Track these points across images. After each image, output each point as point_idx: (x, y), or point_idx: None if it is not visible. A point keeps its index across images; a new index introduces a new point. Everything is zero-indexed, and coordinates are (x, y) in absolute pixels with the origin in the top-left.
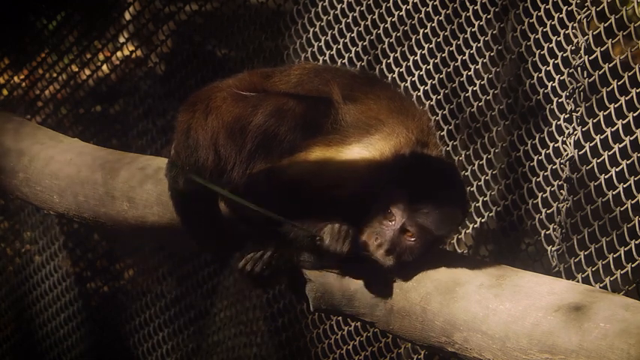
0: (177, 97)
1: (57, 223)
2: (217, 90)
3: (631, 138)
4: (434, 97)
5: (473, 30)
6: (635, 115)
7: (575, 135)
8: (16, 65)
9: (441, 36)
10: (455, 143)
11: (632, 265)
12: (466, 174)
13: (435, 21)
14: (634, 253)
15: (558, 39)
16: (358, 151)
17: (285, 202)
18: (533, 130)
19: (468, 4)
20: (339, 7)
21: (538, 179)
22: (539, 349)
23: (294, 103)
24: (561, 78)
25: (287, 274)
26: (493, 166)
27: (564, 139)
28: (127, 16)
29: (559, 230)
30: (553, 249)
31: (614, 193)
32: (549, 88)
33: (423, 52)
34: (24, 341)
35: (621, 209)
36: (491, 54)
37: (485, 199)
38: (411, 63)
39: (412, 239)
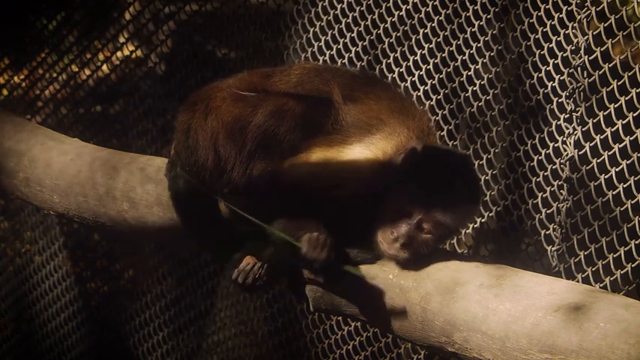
0: (177, 97)
1: (57, 223)
2: (217, 90)
3: (631, 138)
4: (434, 97)
5: (473, 30)
6: (635, 115)
7: (575, 135)
8: (16, 65)
9: (441, 36)
10: (455, 143)
11: (632, 265)
12: None
13: (435, 21)
14: (634, 253)
15: (558, 39)
16: (360, 150)
17: (287, 204)
18: (533, 130)
19: (468, 4)
20: (339, 7)
21: (538, 179)
22: (539, 349)
23: (295, 103)
24: (561, 78)
25: (286, 275)
26: (493, 166)
27: (564, 139)
28: (127, 16)
29: (559, 230)
30: (553, 249)
31: (614, 193)
32: (549, 88)
33: (423, 52)
34: (24, 341)
35: (621, 209)
36: (492, 54)
37: (485, 199)
38: (411, 63)
39: (429, 234)
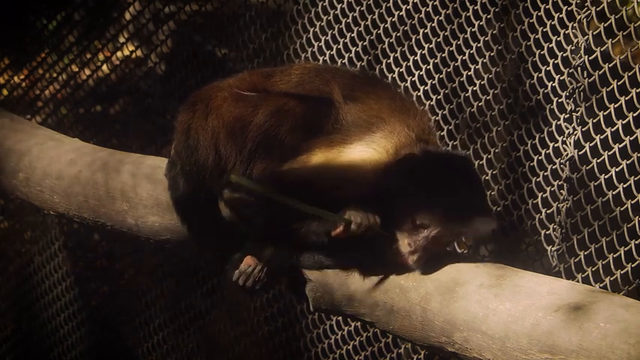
0: (177, 97)
1: (57, 223)
2: (217, 90)
3: (631, 138)
4: (434, 97)
5: (473, 30)
6: (635, 115)
7: (575, 135)
8: (16, 65)
9: (441, 36)
10: (455, 143)
11: (632, 265)
12: None
13: (435, 21)
14: (634, 253)
15: (558, 39)
16: (360, 149)
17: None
18: (533, 130)
19: (468, 4)
20: (339, 7)
21: (538, 179)
22: (539, 349)
23: (295, 103)
24: (561, 78)
25: (287, 275)
26: (493, 166)
27: (564, 139)
28: (127, 16)
29: (559, 230)
30: (553, 249)
31: (614, 193)
32: (549, 88)
33: (423, 52)
34: (24, 341)
35: (621, 209)
36: (492, 54)
37: None
38: (411, 63)
39: (444, 245)
